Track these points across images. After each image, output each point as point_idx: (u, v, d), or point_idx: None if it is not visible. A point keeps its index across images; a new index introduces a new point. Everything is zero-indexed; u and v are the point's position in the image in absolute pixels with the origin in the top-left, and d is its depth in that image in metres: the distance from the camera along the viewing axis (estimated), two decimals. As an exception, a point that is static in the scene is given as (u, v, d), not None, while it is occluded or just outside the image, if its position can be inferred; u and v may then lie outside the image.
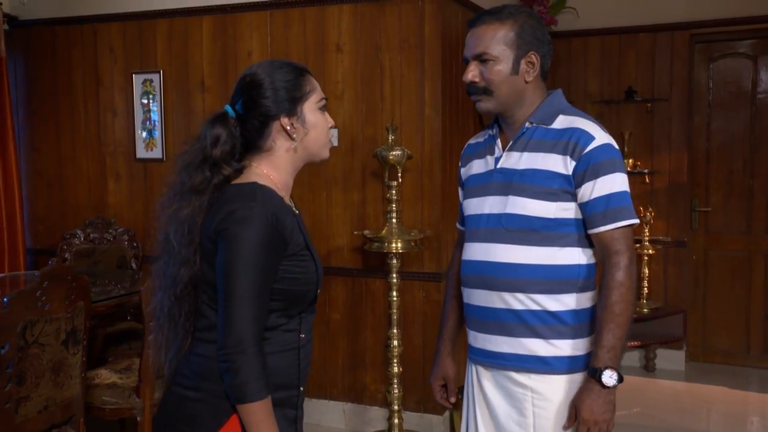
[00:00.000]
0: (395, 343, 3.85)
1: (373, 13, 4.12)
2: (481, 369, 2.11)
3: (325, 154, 1.87)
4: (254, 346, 1.64)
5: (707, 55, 5.46)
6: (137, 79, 4.65)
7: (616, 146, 1.99)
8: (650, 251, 5.32)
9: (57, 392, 2.85)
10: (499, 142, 2.09)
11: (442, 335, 2.31)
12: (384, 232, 3.82)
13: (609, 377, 1.89)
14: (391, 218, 3.82)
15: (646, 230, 5.30)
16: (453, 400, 2.30)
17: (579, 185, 1.95)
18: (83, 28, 4.79)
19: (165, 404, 1.84)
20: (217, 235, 1.69)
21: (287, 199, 1.82)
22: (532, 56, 2.00)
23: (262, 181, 1.75)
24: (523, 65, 2.00)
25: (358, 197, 4.22)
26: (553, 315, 1.98)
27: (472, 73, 2.01)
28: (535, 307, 1.98)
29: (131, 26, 4.66)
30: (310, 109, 1.80)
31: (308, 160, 1.86)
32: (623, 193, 1.94)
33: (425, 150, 4.06)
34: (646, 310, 5.30)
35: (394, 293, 3.84)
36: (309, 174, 4.30)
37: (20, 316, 2.64)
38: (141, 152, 4.70)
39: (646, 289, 5.36)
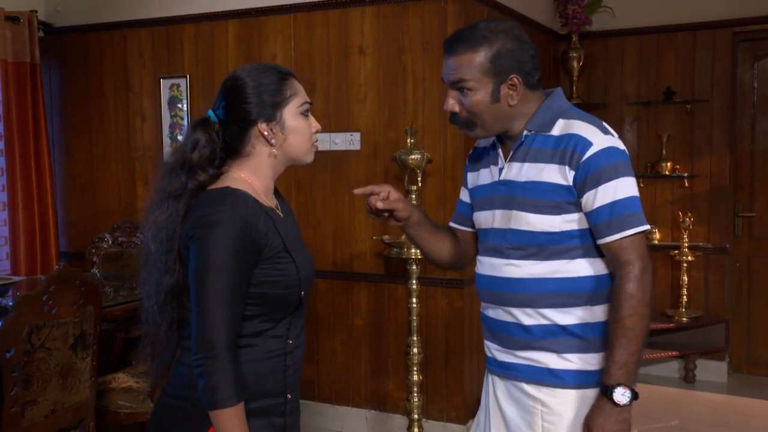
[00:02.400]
0: (415, 350, 3.77)
1: (396, 15, 4.06)
2: (496, 379, 2.06)
3: (308, 158, 1.85)
4: (226, 351, 1.62)
5: (751, 54, 5.23)
6: (165, 84, 4.68)
7: (621, 147, 1.88)
8: (689, 258, 5.12)
9: (65, 396, 2.86)
10: (500, 151, 2.01)
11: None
12: (403, 237, 3.74)
13: (621, 395, 1.80)
14: (411, 223, 3.73)
15: (685, 236, 5.11)
16: (380, 205, 1.98)
17: (581, 194, 1.85)
18: (113, 33, 4.85)
19: (153, 414, 1.85)
20: (188, 241, 1.68)
21: (268, 203, 1.80)
22: (514, 79, 1.88)
23: (237, 186, 1.73)
24: (504, 91, 1.88)
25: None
26: (564, 329, 1.91)
27: (452, 103, 1.92)
28: (544, 321, 1.91)
29: (159, 31, 4.70)
30: (291, 114, 1.78)
31: (289, 164, 1.84)
32: (629, 199, 1.83)
33: (448, 154, 3.97)
34: (685, 319, 5.11)
35: (414, 300, 3.76)
36: (332, 178, 4.26)
37: (26, 320, 2.66)
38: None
39: (685, 297, 5.16)
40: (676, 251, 5.17)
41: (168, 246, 1.73)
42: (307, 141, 1.82)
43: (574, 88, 5.35)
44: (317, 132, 1.85)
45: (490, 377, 2.09)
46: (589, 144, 1.83)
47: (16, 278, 3.74)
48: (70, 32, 5.01)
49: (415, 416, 3.81)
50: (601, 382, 1.85)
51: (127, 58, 4.82)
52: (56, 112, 5.11)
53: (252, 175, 1.79)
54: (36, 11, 4.89)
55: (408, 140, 3.72)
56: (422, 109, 4.03)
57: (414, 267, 3.74)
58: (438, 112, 3.97)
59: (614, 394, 1.80)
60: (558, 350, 1.91)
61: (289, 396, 1.79)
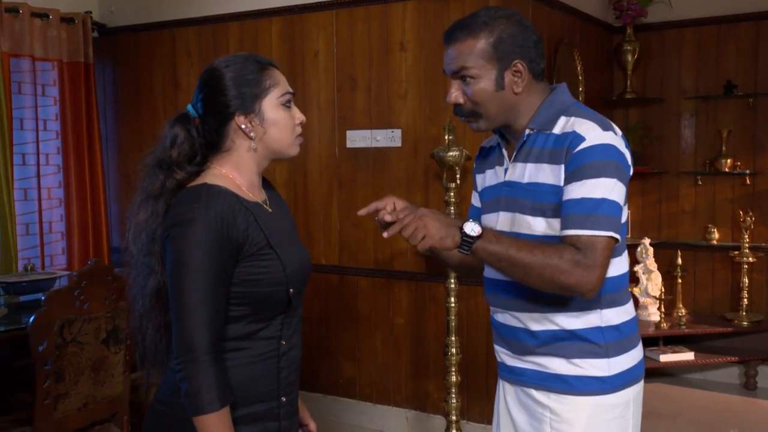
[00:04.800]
0: (453, 350, 3.70)
1: (437, 9, 3.99)
2: (506, 385, 2.00)
3: (292, 151, 1.78)
4: (206, 354, 1.56)
5: (820, 44, 4.96)
6: (211, 82, 4.72)
7: (619, 146, 1.76)
8: (751, 259, 4.88)
9: (98, 390, 2.91)
10: (504, 151, 1.92)
11: None
12: (442, 235, 3.68)
13: (471, 230, 1.66)
14: (449, 221, 3.67)
15: (746, 236, 4.87)
16: (388, 218, 1.75)
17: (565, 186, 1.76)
18: (162, 33, 4.92)
19: (145, 421, 1.80)
20: (164, 241, 1.64)
21: (253, 198, 1.74)
22: (518, 65, 1.80)
23: (215, 181, 1.68)
24: (508, 78, 1.80)
25: (421, 199, 4.10)
26: (574, 334, 1.82)
27: (455, 94, 1.84)
28: (552, 327, 1.83)
29: (206, 30, 4.74)
30: (271, 105, 1.71)
31: (273, 158, 1.78)
32: (600, 200, 1.70)
33: (489, 150, 3.88)
34: (745, 323, 4.87)
35: (452, 299, 3.69)
36: (373, 175, 4.23)
37: (57, 314, 2.71)
38: (215, 154, 4.76)
39: (745, 300, 4.92)
40: (736, 252, 4.93)
41: (150, 248, 1.68)
42: (290, 133, 1.74)
43: (629, 82, 5.17)
44: (301, 123, 1.77)
45: (500, 383, 2.02)
46: (582, 139, 1.73)
47: (61, 273, 3.83)
48: (122, 32, 5.11)
49: (453, 418, 3.74)
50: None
51: (176, 56, 4.89)
52: (109, 111, 5.23)
53: (233, 170, 1.73)
54: (90, 12, 5.01)
55: (446, 137, 3.66)
56: (464, 104, 3.95)
57: (452, 266, 3.67)
58: (479, 107, 3.89)
59: (468, 227, 1.66)
60: (567, 355, 1.82)
61: (283, 399, 1.73)
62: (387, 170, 4.19)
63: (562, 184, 1.75)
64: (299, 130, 1.77)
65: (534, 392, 1.88)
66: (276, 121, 1.72)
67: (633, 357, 1.87)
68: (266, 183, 1.87)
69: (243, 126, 1.70)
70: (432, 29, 4.01)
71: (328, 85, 4.33)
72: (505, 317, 1.92)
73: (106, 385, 2.94)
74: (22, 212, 4.75)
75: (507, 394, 1.98)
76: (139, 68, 5.06)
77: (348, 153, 4.29)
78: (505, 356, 1.96)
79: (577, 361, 1.82)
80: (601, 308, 1.82)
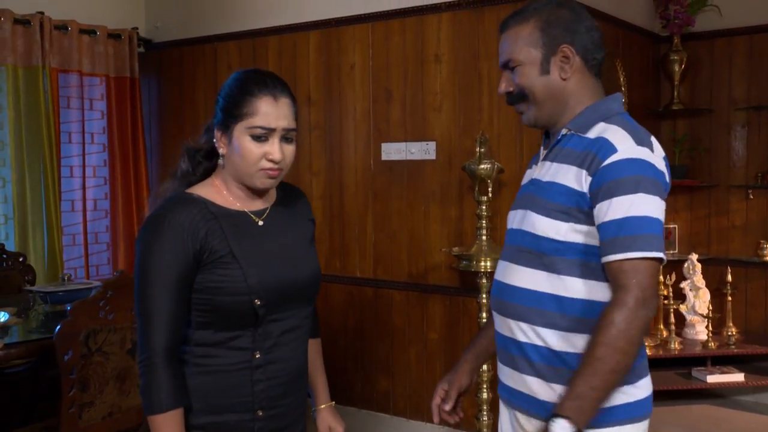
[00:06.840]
0: (484, 366, 3.63)
1: (472, 21, 3.95)
2: (502, 405, 1.90)
3: (255, 183, 1.73)
4: (160, 356, 1.61)
5: None
6: (251, 96, 4.77)
7: (654, 163, 1.65)
8: (805, 277, 4.67)
9: (123, 400, 2.94)
10: (543, 151, 1.86)
11: (469, 347, 2.04)
12: (474, 249, 3.62)
13: (561, 428, 1.53)
14: (481, 235, 3.62)
15: (801, 253, 4.67)
16: (447, 408, 1.96)
17: (594, 204, 1.64)
18: (205, 47, 5.00)
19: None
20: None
21: (241, 208, 1.75)
22: (565, 50, 1.74)
23: (195, 190, 1.74)
24: (555, 63, 1.75)
25: (455, 212, 4.05)
26: (557, 355, 1.69)
27: (504, 84, 1.82)
28: (538, 341, 1.71)
29: (246, 44, 4.80)
30: (240, 132, 1.68)
31: (241, 182, 1.75)
32: (644, 218, 1.59)
33: (524, 163, 3.81)
34: (800, 344, 4.66)
35: (484, 314, 3.63)
36: (407, 188, 4.20)
37: (83, 324, 2.75)
38: (254, 166, 4.81)
39: (800, 319, 4.72)
40: (790, 269, 4.73)
41: None
42: (249, 165, 1.69)
43: (676, 92, 5.01)
44: (271, 160, 1.69)
45: (500, 402, 1.93)
46: (613, 150, 1.63)
47: (97, 283, 3.90)
48: (166, 47, 5.21)
49: (485, 435, 3.67)
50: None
51: (217, 70, 4.96)
52: (154, 124, 5.34)
53: (221, 180, 1.77)
54: (137, 28, 5.13)
55: (478, 149, 3.60)
56: (498, 117, 3.90)
57: (484, 280, 3.61)
58: (514, 120, 3.83)
59: (554, 424, 1.54)
60: (548, 378, 1.70)
61: (260, 413, 1.72)
62: (421, 183, 4.15)
63: (580, 189, 1.66)
64: (267, 165, 1.70)
65: (519, 415, 1.79)
66: (238, 148, 1.70)
67: (628, 394, 1.69)
68: (291, 194, 1.89)
69: (215, 140, 1.75)
70: (467, 41, 3.97)
71: (364, 97, 4.33)
72: (500, 324, 1.81)
73: (131, 395, 2.97)
74: (69, 223, 4.87)
75: (502, 416, 1.89)
76: (183, 82, 5.16)
77: (383, 166, 4.27)
78: (500, 373, 1.85)
79: (555, 386, 1.68)
80: (591, 334, 1.61)
